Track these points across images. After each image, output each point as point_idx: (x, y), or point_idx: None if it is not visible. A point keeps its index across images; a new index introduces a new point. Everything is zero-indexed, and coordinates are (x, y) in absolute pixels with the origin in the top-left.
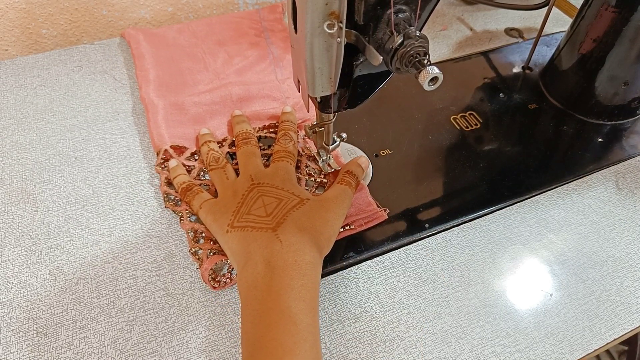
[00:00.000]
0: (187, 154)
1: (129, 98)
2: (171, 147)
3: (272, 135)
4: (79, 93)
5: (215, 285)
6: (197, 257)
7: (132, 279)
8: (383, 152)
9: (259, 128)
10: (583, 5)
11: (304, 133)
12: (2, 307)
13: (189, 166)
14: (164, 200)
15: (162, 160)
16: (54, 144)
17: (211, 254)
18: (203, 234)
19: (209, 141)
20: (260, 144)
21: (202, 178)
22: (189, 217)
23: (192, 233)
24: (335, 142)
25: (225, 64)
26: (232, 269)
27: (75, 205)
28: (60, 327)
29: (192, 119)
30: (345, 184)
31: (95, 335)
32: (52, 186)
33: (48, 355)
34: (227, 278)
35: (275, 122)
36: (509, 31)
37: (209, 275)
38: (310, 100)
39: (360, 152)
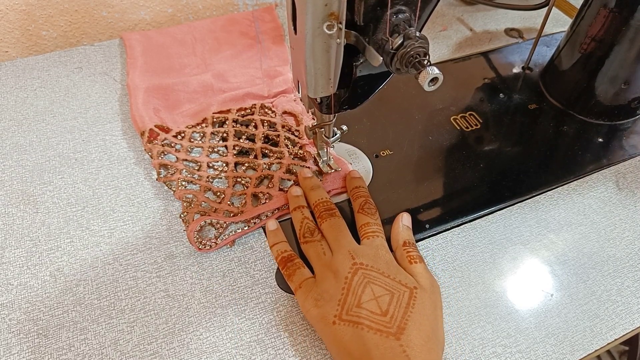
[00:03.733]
0: (173, 133)
1: (128, 99)
2: (156, 126)
3: (250, 117)
4: (79, 94)
5: (201, 247)
6: (186, 223)
7: (132, 281)
8: (383, 153)
9: (236, 110)
10: (583, 6)
11: (282, 110)
12: (3, 309)
13: (175, 144)
14: (157, 174)
15: (148, 139)
16: (54, 146)
17: (197, 216)
18: (195, 202)
19: (302, 207)
20: (237, 126)
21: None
22: (184, 186)
23: (186, 203)
24: (336, 134)
25: (213, 50)
26: (219, 236)
27: (75, 206)
28: (60, 329)
29: (172, 105)
30: (416, 260)
31: (96, 337)
32: (53, 188)
33: (49, 356)
34: (213, 242)
35: (253, 102)
36: (508, 31)
37: (195, 238)
38: (310, 100)
39: (359, 153)
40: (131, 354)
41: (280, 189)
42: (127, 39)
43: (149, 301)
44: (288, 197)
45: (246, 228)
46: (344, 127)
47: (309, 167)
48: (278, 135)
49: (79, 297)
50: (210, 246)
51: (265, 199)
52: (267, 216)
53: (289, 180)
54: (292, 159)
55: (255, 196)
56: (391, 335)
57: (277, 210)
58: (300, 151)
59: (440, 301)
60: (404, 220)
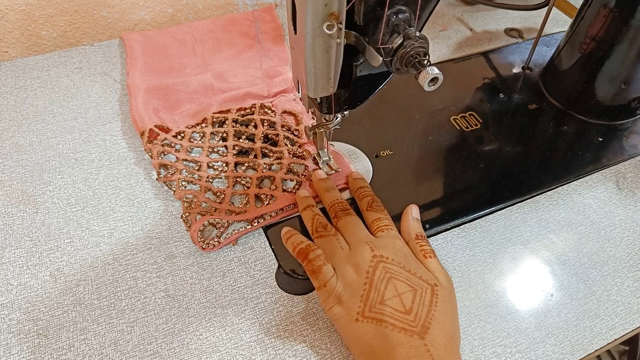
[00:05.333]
0: (173, 133)
1: (128, 99)
2: (155, 126)
3: (250, 116)
4: (79, 94)
5: (205, 246)
6: (187, 224)
7: (132, 281)
8: (383, 153)
9: (236, 110)
10: (583, 6)
11: (281, 110)
12: (3, 309)
13: (175, 144)
14: (157, 174)
15: (147, 139)
16: (54, 146)
17: (199, 217)
18: (195, 202)
19: (311, 205)
20: (237, 126)
21: (191, 155)
22: (184, 187)
23: (187, 203)
24: (337, 117)
25: (213, 50)
26: (221, 235)
27: (75, 206)
28: (60, 329)
29: (172, 105)
30: (431, 255)
31: (96, 337)
32: (52, 188)
33: (49, 357)
34: (216, 241)
35: (253, 102)
36: (508, 31)
37: (198, 238)
38: (310, 100)
39: (359, 153)
40: (131, 354)
41: (284, 190)
42: (127, 39)
43: (149, 301)
44: (297, 199)
45: (249, 227)
46: (345, 112)
47: (307, 165)
48: (277, 135)
49: (79, 297)
50: (214, 245)
51: (269, 200)
52: (270, 216)
53: (291, 180)
54: (292, 157)
55: (258, 197)
56: (415, 335)
57: (281, 211)
58: (299, 150)
59: (455, 298)
60: (414, 212)
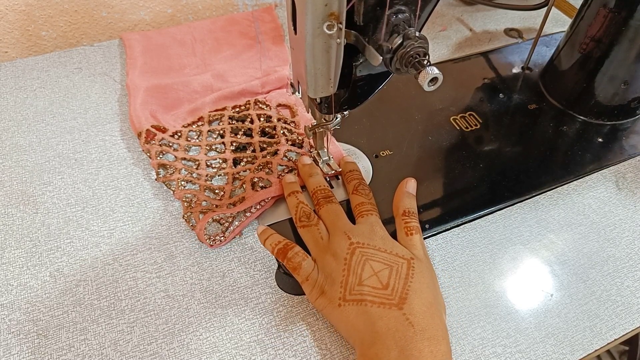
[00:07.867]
0: (170, 132)
1: (128, 100)
2: (152, 126)
3: (245, 112)
4: (79, 95)
5: (212, 243)
6: (190, 223)
7: (132, 281)
8: (383, 153)
9: (231, 107)
10: (582, 6)
11: (276, 104)
12: (3, 309)
13: (172, 143)
14: (156, 175)
15: (145, 140)
16: (54, 146)
17: (201, 216)
18: (195, 202)
19: (296, 192)
20: (234, 122)
21: (189, 155)
22: (183, 186)
23: (186, 203)
24: (337, 118)
25: (212, 51)
26: (227, 230)
27: (75, 207)
28: (60, 329)
29: (171, 105)
30: (412, 232)
31: (96, 337)
32: (52, 188)
33: (48, 357)
34: (222, 236)
35: (247, 99)
36: (508, 31)
37: (204, 235)
38: (310, 100)
39: (359, 153)
40: (131, 354)
41: (279, 176)
42: (126, 39)
43: (149, 301)
44: (282, 184)
45: (248, 215)
46: (345, 113)
47: (305, 154)
48: (274, 128)
49: (79, 297)
50: (220, 241)
51: (264, 185)
52: (265, 201)
53: (287, 166)
54: (290, 145)
55: (254, 183)
56: (394, 306)
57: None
58: (299, 138)
59: (433, 269)
60: (408, 187)
